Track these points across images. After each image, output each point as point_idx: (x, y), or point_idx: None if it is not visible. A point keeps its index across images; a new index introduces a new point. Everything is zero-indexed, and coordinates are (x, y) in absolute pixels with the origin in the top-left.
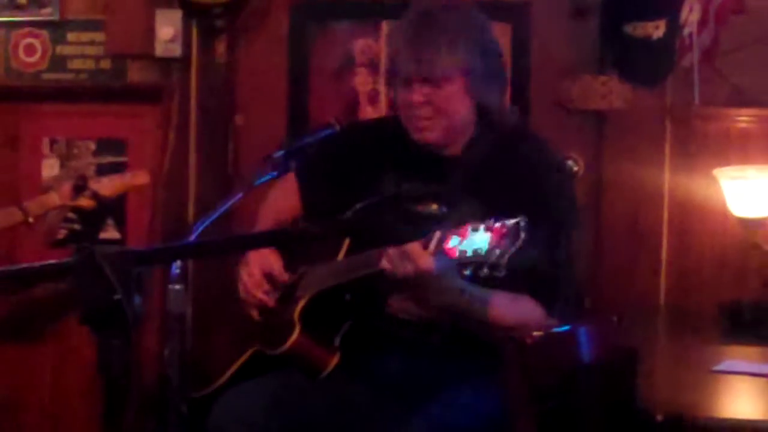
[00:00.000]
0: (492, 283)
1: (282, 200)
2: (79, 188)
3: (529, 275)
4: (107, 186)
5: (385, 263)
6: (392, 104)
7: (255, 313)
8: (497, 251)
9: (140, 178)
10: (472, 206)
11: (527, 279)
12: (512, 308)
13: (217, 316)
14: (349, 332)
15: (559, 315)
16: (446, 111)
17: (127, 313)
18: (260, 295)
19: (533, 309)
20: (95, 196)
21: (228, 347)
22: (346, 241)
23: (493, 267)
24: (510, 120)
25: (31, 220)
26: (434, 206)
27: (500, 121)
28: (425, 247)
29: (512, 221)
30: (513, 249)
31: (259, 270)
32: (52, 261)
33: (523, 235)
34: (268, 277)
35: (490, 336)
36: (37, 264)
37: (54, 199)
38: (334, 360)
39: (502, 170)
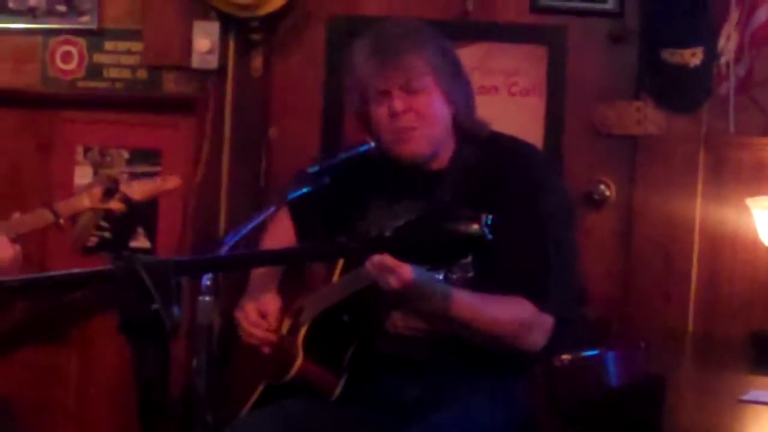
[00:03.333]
0: (473, 283)
1: (279, 236)
2: (110, 191)
3: (515, 270)
4: (138, 190)
5: (370, 279)
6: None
7: (265, 350)
8: None
9: (171, 182)
10: None
11: (515, 274)
12: (496, 306)
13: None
14: (358, 355)
15: (554, 310)
16: (427, 116)
17: (164, 323)
18: (259, 333)
19: (521, 306)
20: (126, 199)
21: (246, 377)
22: (339, 264)
23: (462, 268)
24: (484, 130)
25: (61, 221)
26: (476, 227)
27: (477, 132)
28: None
29: None
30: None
31: (254, 310)
32: (91, 268)
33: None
34: (265, 315)
35: (494, 344)
36: (75, 271)
37: (85, 201)
38: (341, 382)
39: (487, 176)
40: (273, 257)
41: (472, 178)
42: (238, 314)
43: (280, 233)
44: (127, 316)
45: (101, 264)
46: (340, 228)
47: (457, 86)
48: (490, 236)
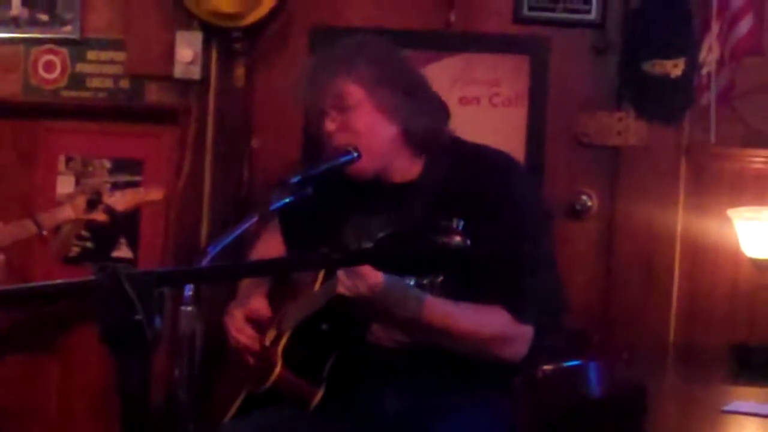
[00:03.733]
0: (445, 290)
1: (269, 246)
2: (93, 202)
3: (492, 280)
4: (121, 201)
5: (340, 287)
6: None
7: (250, 359)
8: None
9: (154, 193)
10: None
11: (491, 284)
12: (472, 315)
13: (225, 339)
14: (339, 365)
15: (533, 321)
16: (361, 132)
17: (146, 334)
18: (244, 339)
19: (498, 315)
20: (109, 210)
21: (228, 386)
22: (321, 273)
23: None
24: (447, 139)
25: (44, 232)
26: (458, 239)
27: (436, 143)
28: None
29: None
30: None
31: (241, 316)
32: (73, 279)
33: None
34: (252, 320)
35: (475, 354)
36: (58, 281)
37: (68, 212)
38: (319, 393)
39: (461, 186)
40: (256, 268)
41: (446, 189)
42: (226, 319)
43: (270, 244)
44: (110, 326)
45: (84, 274)
46: (323, 239)
47: (401, 101)
48: (468, 244)
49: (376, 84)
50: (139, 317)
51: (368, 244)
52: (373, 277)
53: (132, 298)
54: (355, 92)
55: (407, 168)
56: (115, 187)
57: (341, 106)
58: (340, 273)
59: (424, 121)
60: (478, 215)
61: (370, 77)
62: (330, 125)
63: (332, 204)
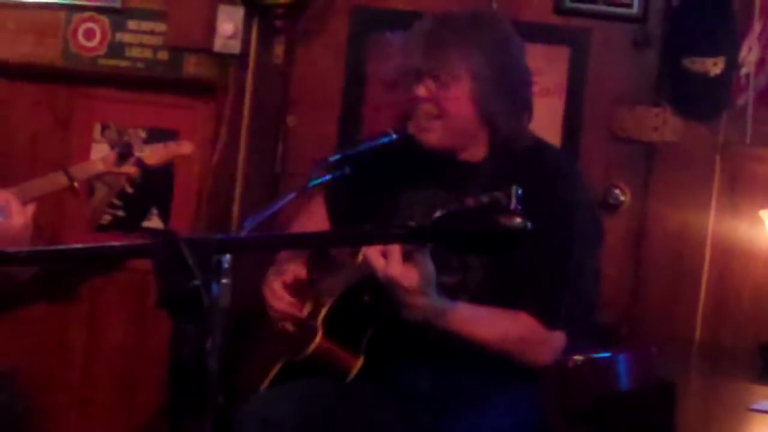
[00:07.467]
0: (480, 289)
1: (311, 225)
2: (124, 155)
3: (530, 286)
4: (152, 155)
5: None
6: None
7: (289, 326)
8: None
9: (185, 147)
10: None
11: (528, 289)
12: (494, 323)
13: (254, 312)
14: (378, 339)
15: (563, 328)
16: (448, 112)
17: (204, 300)
18: (283, 307)
19: (523, 323)
20: (140, 164)
21: (260, 358)
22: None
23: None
24: (526, 143)
25: (76, 185)
26: (519, 220)
27: (515, 143)
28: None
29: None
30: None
31: (279, 283)
32: (130, 243)
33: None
34: (291, 287)
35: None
36: (116, 244)
37: (99, 165)
38: (358, 363)
39: (520, 179)
40: (313, 240)
41: (507, 179)
42: (264, 289)
43: (313, 222)
44: (167, 291)
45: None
46: (371, 216)
47: (500, 99)
48: (529, 226)
49: (485, 76)
50: (196, 283)
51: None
52: (382, 264)
53: (189, 264)
54: (461, 73)
55: (474, 151)
56: (146, 142)
57: (442, 79)
58: (368, 250)
59: (512, 123)
60: (533, 218)
61: (483, 67)
62: (421, 90)
63: (381, 181)
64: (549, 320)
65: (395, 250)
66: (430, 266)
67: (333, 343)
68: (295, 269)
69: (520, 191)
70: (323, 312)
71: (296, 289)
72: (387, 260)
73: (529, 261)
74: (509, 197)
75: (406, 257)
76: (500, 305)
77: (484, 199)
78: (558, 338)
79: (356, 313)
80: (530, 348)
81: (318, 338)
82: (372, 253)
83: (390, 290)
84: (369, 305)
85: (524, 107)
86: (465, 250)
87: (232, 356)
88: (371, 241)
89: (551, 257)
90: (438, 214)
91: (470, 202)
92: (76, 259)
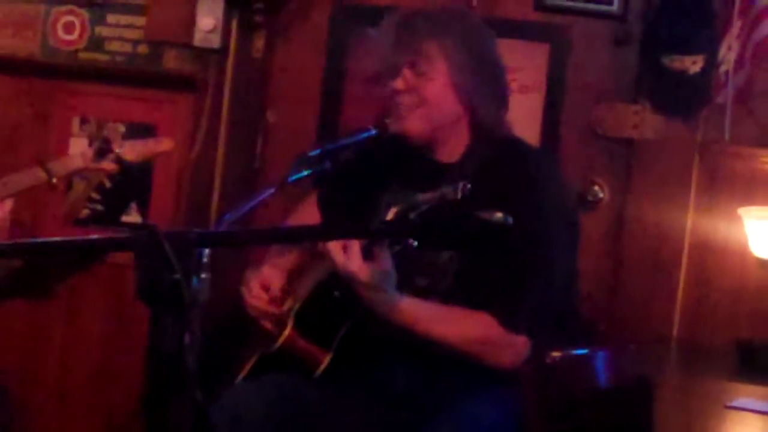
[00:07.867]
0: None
1: (304, 220)
2: (103, 151)
3: (492, 285)
4: (131, 151)
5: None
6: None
7: (267, 324)
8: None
9: (164, 144)
10: None
11: (490, 289)
12: (452, 322)
13: (228, 307)
14: (351, 336)
15: (527, 332)
16: (428, 99)
17: (184, 293)
18: (258, 304)
19: (484, 324)
20: (118, 159)
21: (237, 352)
22: None
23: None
24: (508, 135)
25: (54, 180)
26: (499, 215)
27: (497, 134)
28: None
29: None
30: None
31: (256, 283)
32: (111, 236)
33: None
34: (267, 288)
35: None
36: (97, 237)
37: (78, 160)
38: (326, 358)
39: (498, 179)
40: (297, 234)
41: (483, 178)
42: (242, 288)
43: (306, 214)
44: (147, 284)
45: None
46: (359, 211)
47: (478, 84)
48: (510, 221)
49: (461, 62)
50: (177, 276)
51: (413, 215)
52: (342, 258)
53: (170, 258)
54: (437, 61)
55: (452, 148)
56: (126, 138)
57: (419, 68)
58: (330, 244)
59: (492, 110)
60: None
61: (458, 52)
62: (400, 83)
63: (370, 177)
64: (511, 323)
65: (354, 244)
66: (388, 262)
67: (302, 337)
68: (271, 268)
69: (469, 186)
70: (296, 305)
71: (272, 286)
72: (346, 255)
73: (496, 263)
74: (456, 191)
75: (366, 252)
76: (469, 308)
77: (436, 195)
78: (521, 342)
79: (327, 309)
80: (492, 350)
81: (287, 331)
82: (333, 248)
83: (349, 285)
84: (339, 300)
85: (502, 98)
86: (446, 246)
87: (212, 350)
88: (339, 237)
89: (519, 261)
90: (421, 208)
91: (426, 197)
92: (57, 252)
